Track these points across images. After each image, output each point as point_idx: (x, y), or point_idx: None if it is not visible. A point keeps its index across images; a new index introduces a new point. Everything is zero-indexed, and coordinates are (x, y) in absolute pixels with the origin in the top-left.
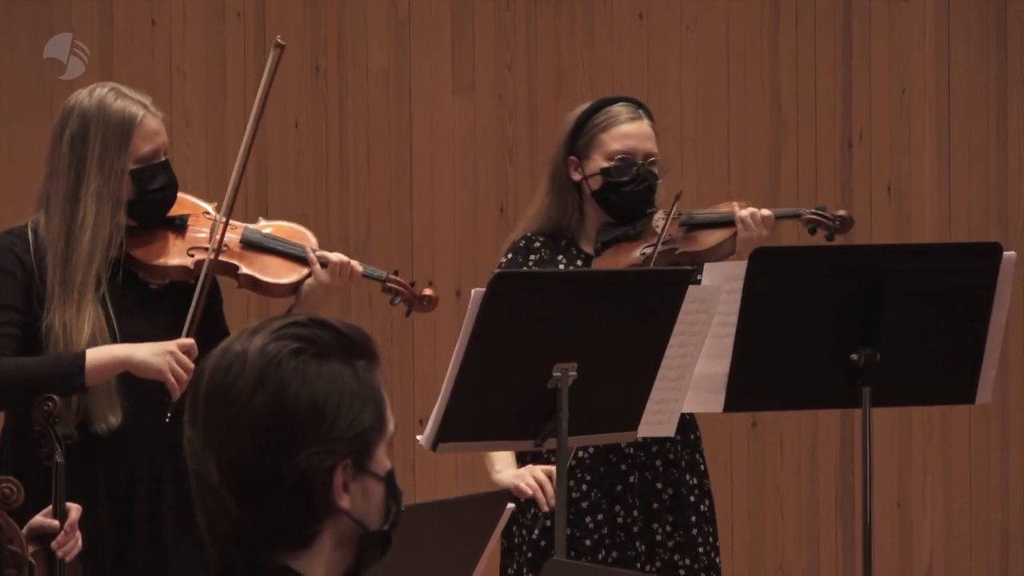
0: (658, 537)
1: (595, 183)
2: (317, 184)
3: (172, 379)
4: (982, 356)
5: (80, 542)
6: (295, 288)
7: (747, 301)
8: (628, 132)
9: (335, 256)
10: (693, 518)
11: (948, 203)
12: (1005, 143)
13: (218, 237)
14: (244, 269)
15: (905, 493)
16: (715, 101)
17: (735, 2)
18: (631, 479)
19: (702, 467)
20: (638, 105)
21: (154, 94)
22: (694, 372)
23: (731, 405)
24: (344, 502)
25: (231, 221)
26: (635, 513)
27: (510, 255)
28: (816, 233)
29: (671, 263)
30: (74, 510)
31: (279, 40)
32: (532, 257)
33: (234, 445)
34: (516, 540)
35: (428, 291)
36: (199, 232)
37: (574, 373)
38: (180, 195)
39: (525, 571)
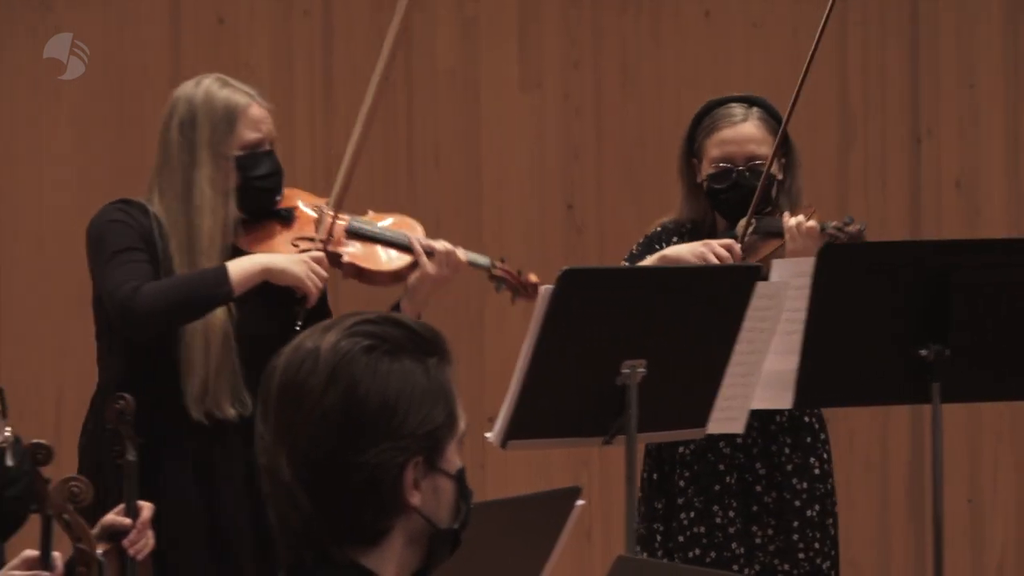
0: (757, 540)
1: (706, 187)
2: (387, 183)
3: (310, 285)
4: None
5: (152, 540)
6: (398, 276)
7: (816, 297)
8: (726, 138)
9: (440, 244)
10: (796, 523)
11: (1018, 197)
12: None
13: (326, 227)
14: (347, 257)
15: (976, 489)
16: (782, 98)
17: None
18: (728, 480)
19: (816, 471)
20: (750, 103)
21: None
22: (763, 369)
23: (801, 402)
24: (415, 500)
25: (338, 214)
26: (731, 514)
27: (658, 228)
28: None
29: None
30: (146, 509)
31: None
32: (680, 240)
33: (305, 442)
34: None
35: (533, 278)
36: (306, 224)
37: (643, 370)
38: (288, 190)
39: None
